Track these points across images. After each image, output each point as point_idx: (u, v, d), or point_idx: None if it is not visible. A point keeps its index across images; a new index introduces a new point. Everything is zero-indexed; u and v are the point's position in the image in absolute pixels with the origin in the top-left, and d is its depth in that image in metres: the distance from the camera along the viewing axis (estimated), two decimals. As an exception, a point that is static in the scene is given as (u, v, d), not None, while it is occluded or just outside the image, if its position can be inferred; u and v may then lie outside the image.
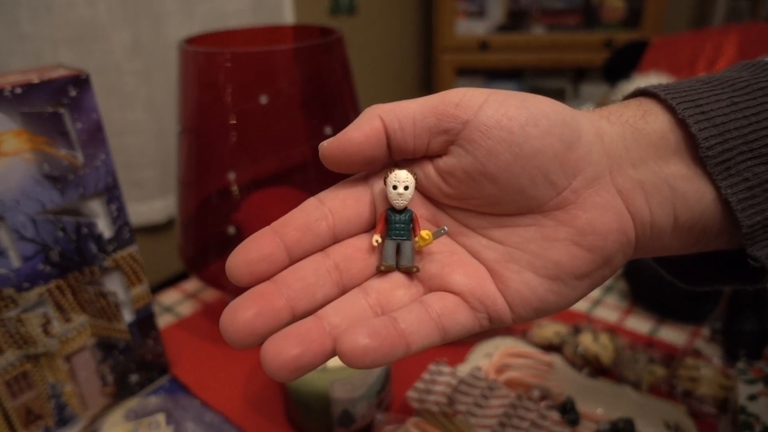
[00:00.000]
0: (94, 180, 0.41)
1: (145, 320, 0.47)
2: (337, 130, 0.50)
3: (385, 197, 0.22)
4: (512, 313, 0.22)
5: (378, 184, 0.23)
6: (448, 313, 0.21)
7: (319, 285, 0.21)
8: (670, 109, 0.22)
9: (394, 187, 0.21)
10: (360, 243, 0.23)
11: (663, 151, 0.22)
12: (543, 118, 0.21)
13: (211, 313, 0.61)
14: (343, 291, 0.22)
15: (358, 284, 0.22)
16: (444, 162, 0.22)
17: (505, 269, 0.22)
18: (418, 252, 0.22)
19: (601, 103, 0.99)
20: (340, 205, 0.22)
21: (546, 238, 0.22)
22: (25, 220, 0.38)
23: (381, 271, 0.22)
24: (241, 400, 0.49)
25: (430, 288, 0.22)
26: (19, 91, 0.36)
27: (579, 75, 1.95)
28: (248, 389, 0.50)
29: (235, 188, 0.49)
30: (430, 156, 0.22)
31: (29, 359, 0.41)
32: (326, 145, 0.21)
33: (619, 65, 0.97)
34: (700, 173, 0.22)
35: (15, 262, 0.38)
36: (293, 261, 0.21)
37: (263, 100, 0.45)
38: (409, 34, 2.06)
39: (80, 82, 0.38)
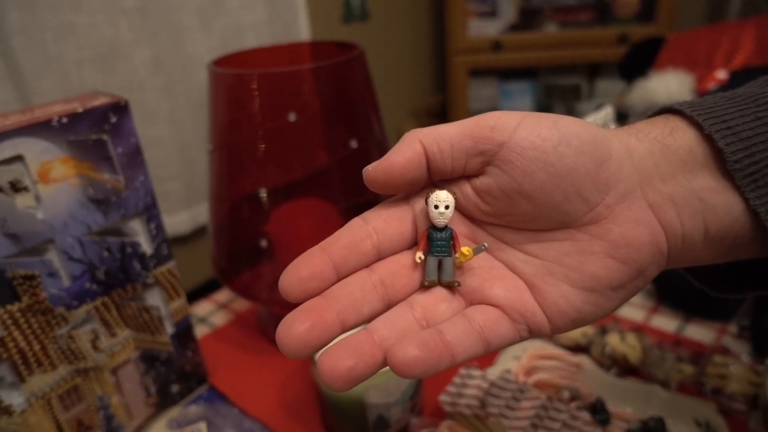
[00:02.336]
0: (134, 201, 0.43)
1: (183, 332, 0.49)
2: (361, 142, 0.51)
3: (427, 216, 0.23)
4: (550, 324, 0.23)
5: (419, 204, 0.24)
6: (490, 325, 0.22)
7: (366, 300, 0.22)
8: (697, 125, 0.23)
9: (436, 207, 0.23)
10: (403, 260, 0.24)
11: (691, 165, 0.23)
12: (575, 138, 0.22)
13: (243, 322, 0.63)
14: (388, 305, 0.23)
15: (403, 299, 0.23)
16: (481, 182, 0.23)
17: (542, 282, 0.23)
18: (458, 267, 0.24)
19: (619, 100, 0.99)
20: (383, 224, 0.24)
21: (581, 252, 0.23)
22: (73, 241, 0.40)
23: (425, 286, 0.23)
24: (277, 407, 0.51)
25: (472, 302, 0.24)
26: (65, 120, 0.38)
27: (594, 71, 1.94)
28: (284, 396, 0.52)
29: (264, 202, 0.51)
30: (468, 176, 0.24)
31: (79, 373, 0.43)
32: (370, 170, 0.23)
33: (634, 63, 0.97)
34: (729, 186, 0.23)
35: (65, 281, 0.40)
36: (341, 277, 0.23)
37: (291, 117, 0.47)
38: (422, 37, 2.07)
39: (120, 108, 0.40)
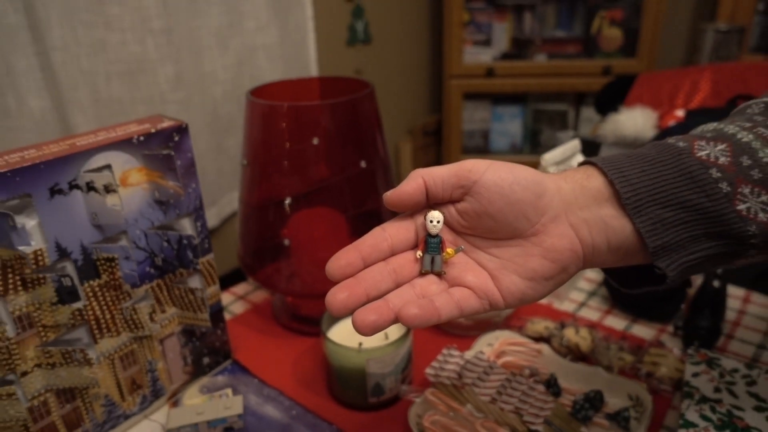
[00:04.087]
0: (187, 203, 0.53)
1: (216, 313, 0.60)
2: (369, 162, 0.63)
3: (425, 227, 0.34)
4: (504, 301, 0.35)
5: (419, 219, 0.35)
6: (464, 298, 0.34)
7: (383, 281, 0.33)
8: (604, 174, 0.35)
9: (430, 221, 0.34)
10: (408, 256, 0.35)
11: (599, 200, 0.35)
12: (523, 180, 0.34)
13: (259, 311, 0.74)
14: (398, 285, 0.34)
15: (407, 281, 0.34)
16: (461, 206, 0.35)
17: (500, 274, 0.35)
18: (444, 262, 0.35)
19: (594, 131, 1.11)
20: (395, 232, 0.35)
21: (525, 254, 0.34)
22: (140, 233, 0.51)
23: (422, 274, 0.35)
24: (290, 378, 0.61)
25: (452, 284, 0.35)
26: (141, 138, 0.49)
27: (579, 99, 2.08)
28: (296, 370, 0.62)
29: (287, 208, 0.62)
30: (452, 201, 0.35)
31: (136, 340, 0.53)
32: (389, 195, 0.34)
33: (608, 99, 1.09)
34: (623, 214, 0.34)
35: (133, 265, 0.51)
36: (367, 266, 0.33)
37: (315, 141, 0.58)
38: (420, 61, 2.20)
39: (181, 130, 0.51)
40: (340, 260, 0.33)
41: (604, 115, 1.06)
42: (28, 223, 0.43)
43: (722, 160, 0.34)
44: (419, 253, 0.34)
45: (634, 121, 0.99)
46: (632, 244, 0.34)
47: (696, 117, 0.91)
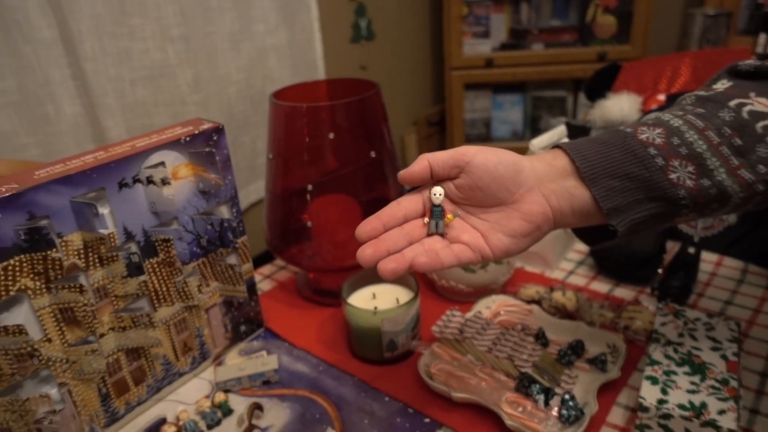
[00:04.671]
0: (225, 192, 0.63)
1: (250, 287, 0.70)
2: (378, 153, 0.72)
3: (430, 199, 0.44)
4: (493, 254, 0.44)
5: (426, 193, 0.45)
6: (461, 251, 0.43)
7: (400, 241, 0.43)
8: (567, 154, 0.44)
9: (434, 194, 0.43)
10: (418, 222, 0.45)
11: (564, 174, 0.44)
12: (504, 161, 0.43)
13: (284, 287, 0.83)
14: (411, 243, 0.44)
15: (418, 240, 0.44)
16: (457, 181, 0.44)
17: (488, 233, 0.44)
18: (446, 225, 0.44)
19: (584, 116, 1.20)
20: (408, 204, 0.45)
21: (508, 218, 0.44)
22: (188, 219, 0.60)
23: (429, 235, 0.44)
24: (315, 341, 0.71)
25: (452, 242, 0.44)
26: (188, 138, 0.58)
27: (576, 85, 2.15)
28: (320, 334, 0.72)
29: (308, 195, 0.71)
30: (451, 178, 0.45)
31: (187, 309, 0.63)
32: (402, 173, 0.44)
33: (596, 86, 1.18)
34: (582, 185, 0.44)
35: (184, 245, 0.60)
36: (387, 230, 0.43)
37: (330, 136, 0.67)
38: (422, 54, 2.28)
39: (219, 130, 0.61)
40: (366, 226, 0.43)
41: (594, 102, 1.14)
42: (104, 211, 0.52)
43: (658, 140, 0.44)
44: (426, 219, 0.44)
45: (620, 106, 1.07)
46: (590, 208, 0.44)
47: (674, 101, 0.98)
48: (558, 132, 0.85)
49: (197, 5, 1.35)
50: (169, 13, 1.29)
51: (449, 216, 0.44)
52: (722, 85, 0.49)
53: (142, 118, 1.30)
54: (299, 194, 0.72)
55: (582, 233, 0.50)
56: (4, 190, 0.47)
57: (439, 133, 2.38)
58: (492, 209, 0.45)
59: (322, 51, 1.72)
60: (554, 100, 2.16)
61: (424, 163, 0.44)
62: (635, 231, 0.45)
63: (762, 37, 1.57)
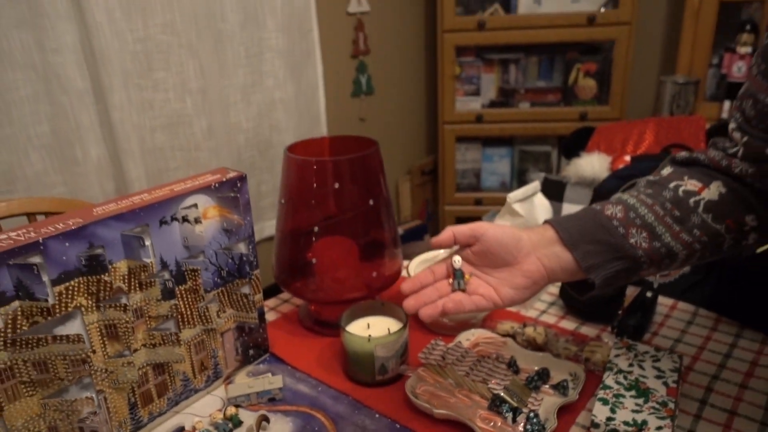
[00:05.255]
0: (244, 231, 0.74)
1: (260, 315, 0.79)
2: (375, 201, 0.83)
3: (452, 265, 0.58)
4: (502, 302, 0.58)
5: (449, 261, 0.59)
6: (478, 300, 0.57)
7: (432, 295, 0.57)
8: (554, 227, 0.58)
9: (455, 261, 0.57)
10: (445, 282, 0.59)
11: (553, 242, 0.58)
12: (508, 233, 0.58)
13: (288, 318, 0.93)
14: (441, 297, 0.57)
15: (446, 295, 0.58)
16: (474, 248, 0.59)
17: (498, 287, 0.58)
18: (466, 283, 0.58)
19: (563, 172, 1.33)
20: (437, 269, 0.60)
21: (512, 276, 0.58)
22: (213, 252, 0.71)
23: (453, 291, 0.58)
24: (315, 365, 0.80)
25: (471, 294, 0.58)
26: (217, 185, 0.69)
27: (560, 141, 2.31)
28: (319, 359, 0.81)
29: (313, 236, 0.82)
30: (468, 245, 0.59)
31: (205, 332, 0.73)
32: (433, 240, 0.58)
33: (572, 146, 1.31)
34: (566, 250, 0.57)
35: (208, 275, 0.71)
36: (423, 288, 0.57)
37: (336, 185, 0.79)
38: (418, 109, 2.44)
39: (243, 178, 0.72)
40: (408, 284, 0.59)
41: (569, 159, 1.27)
42: (147, 243, 0.63)
43: (619, 215, 0.59)
44: (450, 280, 0.59)
45: (592, 164, 1.20)
46: (573, 267, 0.58)
47: (638, 162, 1.11)
48: (532, 187, 0.97)
49: (215, 61, 1.50)
50: (190, 68, 1.43)
51: (467, 276, 0.59)
52: (666, 171, 0.65)
53: (159, 161, 1.42)
54: (306, 235, 0.83)
55: (571, 285, 0.64)
56: (71, 223, 0.57)
57: (432, 181, 2.52)
58: (500, 269, 0.59)
59: (325, 104, 1.87)
60: (540, 154, 2.32)
61: (449, 232, 0.60)
62: (610, 284, 0.59)
63: (726, 104, 1.74)
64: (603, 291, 0.60)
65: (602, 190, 1.10)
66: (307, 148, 0.89)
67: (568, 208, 1.22)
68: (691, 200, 0.61)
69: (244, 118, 1.61)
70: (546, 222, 0.62)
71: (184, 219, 0.67)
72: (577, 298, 0.64)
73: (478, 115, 2.24)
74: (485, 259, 0.59)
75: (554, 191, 1.22)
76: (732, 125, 0.64)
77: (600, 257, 0.58)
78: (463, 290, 0.58)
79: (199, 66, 1.45)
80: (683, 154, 0.67)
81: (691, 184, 0.62)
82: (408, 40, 2.30)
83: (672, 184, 0.62)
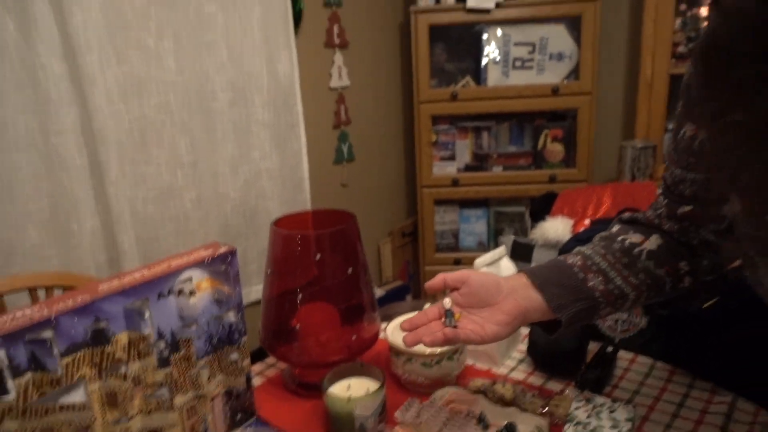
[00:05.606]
0: (233, 301, 0.81)
1: (248, 380, 0.85)
2: (354, 269, 0.91)
3: (443, 306, 0.67)
4: (488, 337, 0.66)
5: (440, 304, 0.68)
6: (467, 336, 0.65)
7: (427, 333, 0.65)
8: (527, 274, 0.69)
9: (446, 303, 0.66)
10: (438, 321, 0.68)
11: (527, 287, 0.69)
12: (490, 278, 0.68)
13: (272, 382, 0.98)
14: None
15: (438, 331, 0.66)
16: (461, 291, 0.69)
17: (484, 323, 0.66)
18: (456, 321, 0.66)
19: (530, 235, 1.42)
20: (430, 311, 0.68)
21: (495, 314, 0.67)
22: (205, 322, 0.77)
23: (445, 326, 0.66)
24: (300, 427, 0.85)
25: (461, 329, 0.66)
26: (210, 260, 0.77)
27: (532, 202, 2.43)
28: (303, 421, 0.86)
29: (297, 302, 0.89)
30: (456, 289, 0.69)
31: (197, 397, 0.78)
32: (427, 285, 0.68)
33: (538, 210, 1.42)
34: (538, 292, 0.67)
35: (200, 343, 0.77)
36: (418, 327, 0.67)
37: (317, 257, 0.87)
38: (397, 173, 2.56)
39: (233, 253, 0.80)
40: (406, 323, 0.68)
41: (536, 223, 1.37)
42: (147, 315, 0.70)
43: (579, 263, 0.71)
44: (443, 319, 0.68)
45: (556, 227, 1.30)
46: (544, 307, 0.68)
47: (596, 225, 1.22)
48: (499, 251, 1.06)
49: (205, 137, 1.60)
50: (182, 143, 1.53)
51: (457, 315, 0.68)
52: (615, 228, 0.79)
53: (150, 231, 1.49)
54: (290, 302, 0.90)
55: (543, 326, 0.74)
56: (80, 300, 0.64)
57: (412, 243, 2.61)
58: (484, 309, 0.69)
59: (308, 171, 1.98)
60: (514, 214, 2.43)
61: (441, 277, 0.71)
62: (574, 322, 0.69)
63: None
64: (569, 328, 0.70)
65: (565, 251, 1.19)
66: (291, 221, 0.98)
67: (537, 269, 1.31)
68: (636, 250, 0.73)
69: (231, 188, 1.70)
70: (521, 271, 0.74)
71: (180, 292, 0.74)
72: (550, 335, 0.74)
73: (455, 179, 2.37)
74: (471, 300, 0.69)
75: (523, 253, 1.31)
76: (659, 191, 0.78)
77: (565, 298, 0.69)
78: (455, 327, 0.67)
79: (190, 141, 1.55)
80: (627, 214, 0.80)
81: (635, 237, 0.75)
82: (387, 111, 2.46)
83: (620, 238, 0.75)
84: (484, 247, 2.49)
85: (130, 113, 1.40)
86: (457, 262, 2.43)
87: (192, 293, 0.75)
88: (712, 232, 0.71)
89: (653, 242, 0.74)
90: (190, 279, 0.75)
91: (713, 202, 0.67)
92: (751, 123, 0.45)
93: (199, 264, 0.76)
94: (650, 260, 0.73)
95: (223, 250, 0.80)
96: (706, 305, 0.98)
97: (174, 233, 1.54)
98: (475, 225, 2.48)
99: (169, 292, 0.72)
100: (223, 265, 0.78)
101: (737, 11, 0.45)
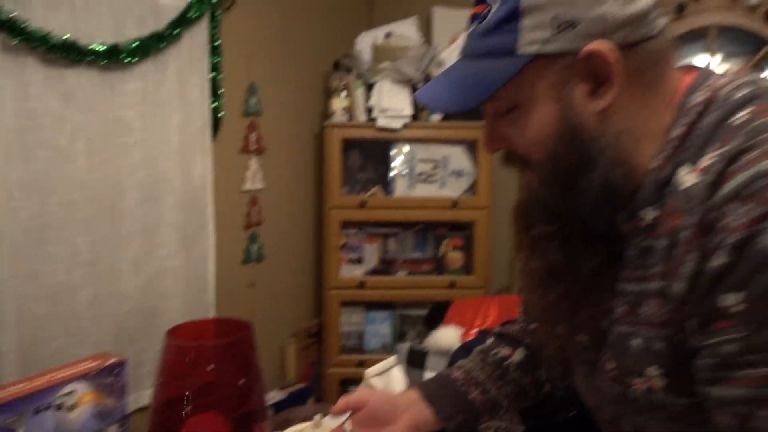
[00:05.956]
0: (117, 414, 0.80)
1: (124, 498, 0.82)
2: (246, 380, 0.93)
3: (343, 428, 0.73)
4: None
5: (343, 425, 0.75)
6: None
7: None
8: (419, 389, 0.79)
9: (345, 427, 0.75)
10: None
11: (419, 401, 0.78)
12: (388, 397, 0.78)
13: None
14: None
15: None
16: (362, 413, 0.78)
17: None
18: None
19: (425, 343, 1.51)
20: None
21: (396, 429, 0.75)
22: (83, 437, 0.76)
23: None
24: None
25: None
26: (95, 372, 0.77)
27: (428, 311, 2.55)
28: None
29: (187, 411, 0.89)
30: (359, 410, 0.77)
31: None
32: (334, 408, 0.75)
33: (432, 319, 1.52)
34: (428, 406, 0.78)
35: (76, 460, 0.75)
36: None
37: (210, 368, 0.89)
38: (305, 275, 2.62)
39: (121, 364, 0.81)
40: None
41: (429, 332, 1.46)
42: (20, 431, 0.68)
43: (462, 377, 0.81)
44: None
45: (448, 336, 1.40)
46: (434, 418, 0.78)
47: (482, 335, 1.33)
48: (389, 361, 1.13)
49: (109, 234, 1.59)
50: (83, 241, 1.51)
51: None
52: (490, 341, 0.90)
53: (36, 331, 1.42)
54: (178, 413, 0.90)
55: None
56: (-52, 417, 0.62)
57: (317, 344, 2.61)
58: (384, 427, 0.76)
59: (215, 271, 1.98)
60: (417, 318, 2.53)
61: (343, 401, 0.78)
62: (462, 428, 0.78)
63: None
64: None
65: (454, 360, 1.28)
66: (186, 329, 0.99)
67: (429, 376, 1.38)
68: (505, 363, 0.85)
69: (132, 287, 1.66)
70: (413, 387, 0.84)
71: (60, 406, 0.73)
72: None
73: (361, 281, 2.45)
74: (372, 420, 0.75)
75: (418, 360, 1.38)
76: (521, 308, 0.91)
77: (451, 409, 0.79)
78: None
79: (91, 239, 1.52)
80: (498, 328, 0.93)
81: (505, 351, 0.87)
82: (299, 213, 2.55)
83: (493, 351, 0.88)
84: (388, 349, 2.54)
85: (31, 210, 1.38)
86: (361, 364, 2.45)
87: (72, 407, 0.74)
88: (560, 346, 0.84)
89: (518, 355, 0.87)
90: (72, 393, 0.74)
91: None
92: (540, 270, 0.61)
93: (84, 376, 0.76)
94: (517, 371, 0.85)
95: (112, 361, 0.80)
96: (570, 414, 1.09)
97: (63, 334, 1.47)
98: (380, 327, 2.54)
99: (48, 407, 0.72)
100: (109, 378, 0.79)
101: (527, 187, 0.62)
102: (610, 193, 0.58)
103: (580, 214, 0.59)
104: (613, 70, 0.56)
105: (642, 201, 0.59)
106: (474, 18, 0.61)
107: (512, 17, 0.57)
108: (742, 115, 0.52)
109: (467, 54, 0.63)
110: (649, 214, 0.58)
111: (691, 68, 0.62)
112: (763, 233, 0.46)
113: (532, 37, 0.56)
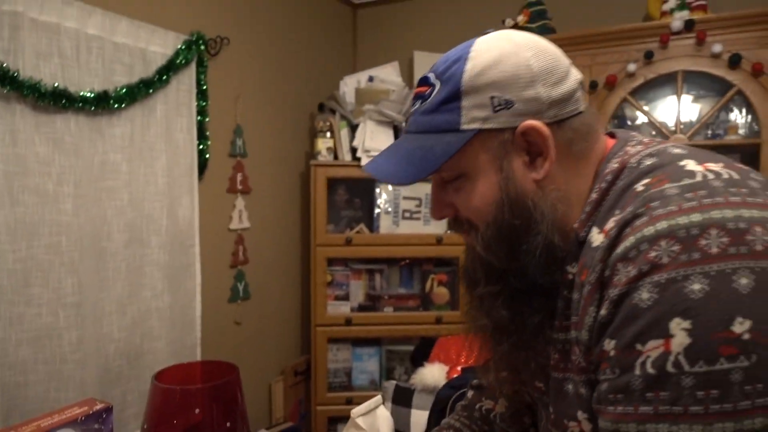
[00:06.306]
0: (103, 460, 0.80)
1: None
2: (232, 422, 0.94)
3: None
4: None
5: None
6: None
7: None
8: None
9: None
10: None
11: None
12: None
13: None
14: None
15: None
16: None
17: None
18: None
19: (411, 380, 1.52)
20: None
21: None
22: (69, 484, 0.76)
23: None
24: None
25: None
26: (83, 418, 0.78)
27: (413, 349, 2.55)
28: None
29: (172, 459, 0.90)
30: None
31: None
32: None
33: (418, 356, 1.53)
34: None
35: None
36: None
37: (197, 411, 0.90)
38: (292, 312, 2.62)
39: (108, 410, 0.81)
40: None
41: (415, 368, 1.48)
42: (6, 481, 0.68)
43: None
44: None
45: (433, 373, 1.41)
46: None
47: (467, 372, 1.34)
48: (375, 401, 1.14)
49: (95, 276, 1.59)
50: (68, 284, 1.51)
51: None
52: (470, 394, 0.91)
53: (18, 375, 1.40)
54: (164, 458, 0.90)
55: None
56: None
57: (305, 381, 2.59)
58: None
59: (201, 310, 1.98)
60: (404, 353, 2.53)
61: None
62: None
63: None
64: None
65: (439, 398, 1.29)
66: (173, 373, 1.00)
67: (416, 414, 1.38)
68: (491, 415, 0.86)
69: (116, 328, 1.66)
70: None
71: (47, 453, 0.73)
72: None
73: (348, 318, 2.46)
74: None
75: (404, 398, 1.39)
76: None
77: None
78: None
79: (77, 281, 1.53)
80: (475, 381, 0.93)
81: (487, 404, 0.88)
82: (285, 251, 2.57)
83: (477, 405, 0.88)
84: (375, 386, 2.53)
85: (16, 253, 1.39)
86: (349, 402, 2.43)
87: (60, 454, 0.74)
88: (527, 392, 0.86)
89: (501, 405, 0.88)
90: (60, 439, 0.75)
91: None
92: (489, 326, 0.65)
93: (71, 423, 0.77)
94: (503, 422, 0.86)
95: (98, 407, 0.81)
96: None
97: (46, 377, 1.45)
98: (368, 363, 2.54)
99: (35, 454, 0.72)
100: (96, 424, 0.80)
101: (473, 249, 0.66)
102: (551, 254, 0.63)
103: (524, 274, 0.63)
104: (547, 144, 0.62)
105: (569, 258, 0.64)
106: (417, 97, 0.67)
107: (454, 98, 0.62)
108: (641, 183, 0.58)
109: (412, 130, 0.68)
110: (571, 270, 0.63)
111: (614, 135, 0.69)
112: (638, 290, 0.52)
113: (473, 115, 0.62)
